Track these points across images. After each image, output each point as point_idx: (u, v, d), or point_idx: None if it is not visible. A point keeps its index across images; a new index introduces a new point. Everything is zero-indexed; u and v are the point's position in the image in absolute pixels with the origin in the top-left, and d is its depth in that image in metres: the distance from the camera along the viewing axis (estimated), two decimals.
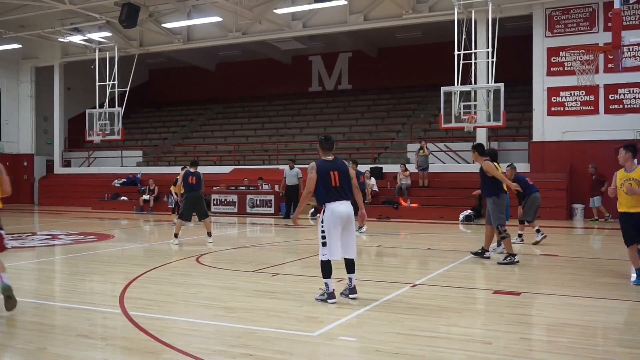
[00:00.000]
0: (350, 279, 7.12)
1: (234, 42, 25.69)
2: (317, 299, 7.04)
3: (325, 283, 6.95)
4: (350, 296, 7.06)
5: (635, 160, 8.19)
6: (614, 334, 5.76)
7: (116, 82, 24.40)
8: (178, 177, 17.03)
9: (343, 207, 6.92)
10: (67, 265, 10.44)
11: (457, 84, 18.21)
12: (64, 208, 26.17)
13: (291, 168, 20.53)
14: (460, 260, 10.39)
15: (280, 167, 24.09)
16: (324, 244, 6.90)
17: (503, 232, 9.97)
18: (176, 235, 12.83)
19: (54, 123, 30.03)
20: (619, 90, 18.84)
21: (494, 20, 18.16)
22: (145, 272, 9.07)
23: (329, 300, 6.87)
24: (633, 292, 8.00)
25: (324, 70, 32.38)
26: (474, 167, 21.20)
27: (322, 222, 6.92)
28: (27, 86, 30.44)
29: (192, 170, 13.19)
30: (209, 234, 13.01)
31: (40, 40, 26.93)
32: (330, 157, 7.14)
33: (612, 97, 18.95)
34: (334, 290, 6.95)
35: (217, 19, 23.59)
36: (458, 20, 18.44)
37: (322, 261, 6.96)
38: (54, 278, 9.40)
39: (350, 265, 7.12)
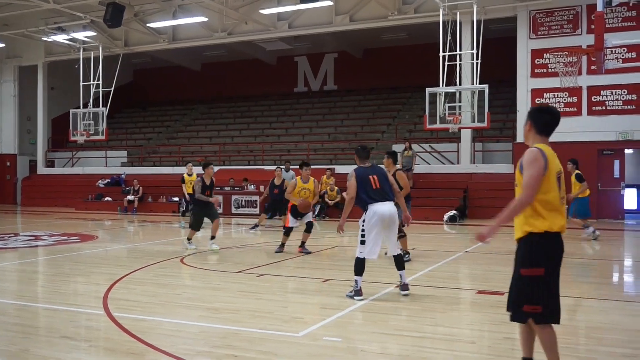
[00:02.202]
0: (400, 275, 7.35)
1: (219, 42, 25.63)
2: (347, 296, 7.17)
3: (355, 280, 7.11)
4: (402, 292, 7.25)
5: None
6: (596, 333, 5.82)
7: (100, 81, 24.26)
8: (184, 175, 16.92)
9: (385, 208, 7.17)
10: (51, 267, 10.35)
11: (442, 85, 18.31)
12: (47, 209, 25.95)
13: (287, 170, 19.60)
14: (444, 260, 10.45)
15: (266, 167, 24.08)
16: (362, 242, 7.14)
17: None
18: (213, 237, 11.89)
19: (38, 123, 29.78)
20: (602, 92, 19.05)
21: (478, 21, 18.30)
22: (129, 273, 9.02)
23: (355, 297, 7.02)
24: (614, 291, 8.11)
25: (309, 71, 32.39)
26: (459, 168, 21.44)
27: (364, 221, 7.16)
28: (10, 85, 30.13)
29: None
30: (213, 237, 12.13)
31: (24, 39, 26.70)
32: (368, 164, 7.52)
33: (594, 98, 19.15)
34: (361, 287, 7.09)
35: (202, 19, 23.53)
36: (443, 22, 18.55)
37: (357, 258, 7.16)
38: (37, 279, 9.31)
39: (398, 263, 7.37)
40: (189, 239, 11.91)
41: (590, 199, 14.39)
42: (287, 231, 11.36)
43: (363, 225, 7.15)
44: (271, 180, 15.73)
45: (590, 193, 14.43)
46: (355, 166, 7.56)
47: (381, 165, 7.95)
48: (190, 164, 17.55)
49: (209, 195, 11.62)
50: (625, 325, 6.13)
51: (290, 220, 11.34)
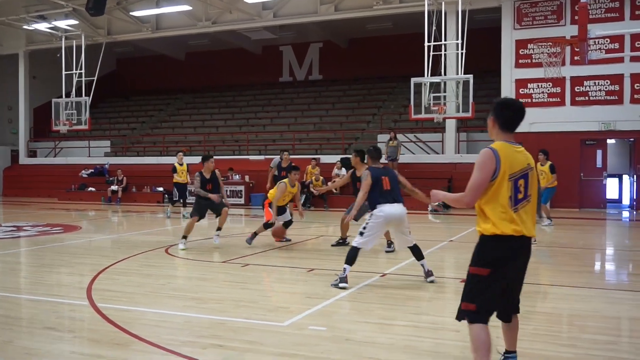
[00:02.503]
0: (422, 265, 7.56)
1: (203, 31, 25.43)
2: (332, 285, 7.20)
3: (344, 267, 7.19)
4: (428, 279, 7.46)
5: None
6: (578, 321, 5.89)
7: (83, 71, 23.99)
8: (175, 164, 16.72)
9: (394, 209, 7.42)
10: (33, 257, 10.27)
11: (427, 75, 18.33)
12: (29, 199, 25.70)
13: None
14: (429, 250, 10.50)
15: (251, 157, 24.02)
16: (361, 234, 7.30)
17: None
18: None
19: (19, 112, 29.44)
20: (585, 82, 19.19)
21: (463, 12, 18.33)
22: (113, 264, 8.97)
23: (340, 285, 7.06)
24: (595, 279, 8.21)
25: (294, 61, 32.27)
26: (444, 158, 21.53)
27: (371, 217, 7.41)
28: None
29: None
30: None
31: (5, 27, 26.31)
32: (380, 165, 7.90)
33: (578, 89, 19.29)
34: (347, 275, 7.16)
35: (186, 7, 23.31)
36: (428, 12, 18.54)
37: (352, 247, 7.30)
38: (20, 270, 9.23)
39: (417, 253, 7.58)
40: (184, 237, 10.80)
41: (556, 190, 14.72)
42: (267, 225, 10.86)
43: (369, 221, 7.38)
44: (278, 163, 15.70)
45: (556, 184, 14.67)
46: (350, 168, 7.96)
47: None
48: (180, 153, 17.34)
49: (210, 189, 10.97)
50: (606, 312, 6.21)
51: (272, 215, 10.77)
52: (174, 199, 16.58)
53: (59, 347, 5.02)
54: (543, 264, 9.15)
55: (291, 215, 11.57)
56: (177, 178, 16.75)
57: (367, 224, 7.38)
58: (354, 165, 9.93)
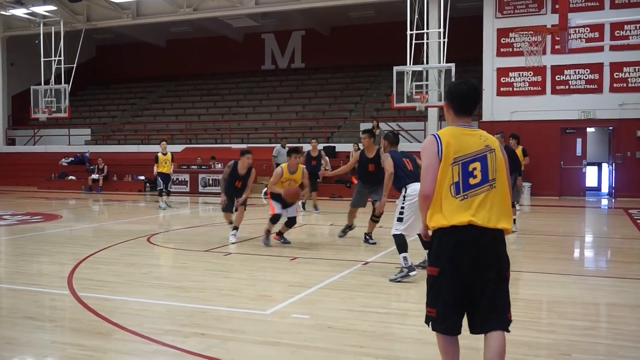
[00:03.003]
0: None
1: (184, 18, 25.20)
2: (396, 279, 6.92)
3: (403, 257, 7.01)
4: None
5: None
6: (557, 307, 5.97)
7: (62, 58, 23.68)
8: (158, 154, 16.38)
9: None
10: (13, 247, 10.16)
11: (410, 64, 18.35)
12: (8, 188, 25.37)
13: (284, 146, 17.62)
14: (411, 238, 10.55)
15: (233, 146, 23.91)
16: (400, 220, 7.17)
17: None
18: (236, 228, 10.28)
19: None
20: (565, 71, 19.34)
21: (445, 0, 18.32)
22: (94, 253, 8.91)
23: (410, 274, 6.91)
24: (574, 266, 8.32)
25: (277, 49, 32.10)
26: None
27: (404, 199, 7.25)
28: None
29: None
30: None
31: None
32: (398, 149, 8.01)
33: (558, 77, 19.44)
34: (412, 263, 7.01)
35: None
36: (411, 0, 18.52)
37: (395, 235, 7.16)
38: None
39: (424, 243, 7.14)
40: (235, 227, 10.12)
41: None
42: (274, 219, 9.68)
43: (403, 203, 7.24)
44: (307, 152, 15.59)
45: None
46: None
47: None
48: (164, 142, 17.04)
49: (239, 186, 10.04)
50: (584, 298, 6.31)
51: (275, 207, 9.63)
52: (159, 189, 16.33)
53: (40, 337, 4.98)
54: (523, 251, 9.26)
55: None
56: (159, 168, 16.34)
57: (402, 208, 7.19)
58: (366, 147, 9.73)
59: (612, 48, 18.68)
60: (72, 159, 26.30)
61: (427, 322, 3.54)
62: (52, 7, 24.34)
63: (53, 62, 23.81)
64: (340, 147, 22.50)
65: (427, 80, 18.22)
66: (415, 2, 18.51)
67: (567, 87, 19.39)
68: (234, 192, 10.18)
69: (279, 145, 18.33)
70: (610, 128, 19.65)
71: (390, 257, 8.53)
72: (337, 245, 9.92)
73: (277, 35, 31.70)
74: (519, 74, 19.85)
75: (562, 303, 6.14)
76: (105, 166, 23.82)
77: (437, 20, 18.97)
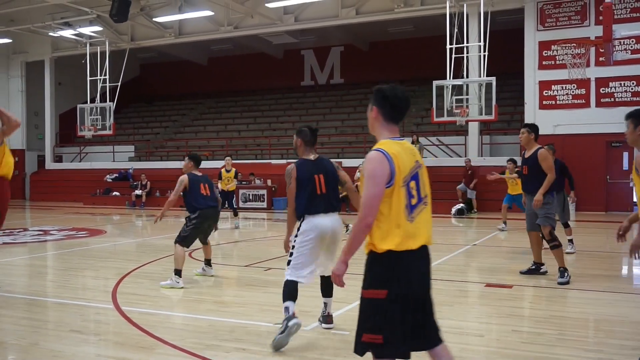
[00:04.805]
0: (325, 304, 5.70)
1: (225, 36, 25.61)
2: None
3: (285, 307, 5.23)
4: (324, 326, 5.64)
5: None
6: (605, 326, 5.80)
7: (107, 76, 24.30)
8: (222, 171, 15.54)
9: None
10: (59, 261, 10.41)
11: (449, 78, 18.23)
12: (55, 203, 26.07)
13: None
14: (452, 253, 10.43)
15: (273, 161, 24.07)
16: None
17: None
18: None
19: (45, 118, 29.88)
20: (610, 83, 18.91)
21: (485, 13, 18.19)
22: (137, 267, 9.06)
23: (289, 323, 5.05)
24: (623, 284, 8.08)
25: (316, 65, 32.32)
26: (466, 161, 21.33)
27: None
28: (17, 81, 30.21)
29: None
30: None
31: (31, 34, 26.75)
32: (313, 152, 6.59)
33: (603, 90, 19.02)
34: (294, 313, 5.18)
35: (208, 13, 23.51)
36: (450, 14, 18.46)
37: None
38: (46, 274, 9.36)
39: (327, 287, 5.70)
40: None
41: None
42: None
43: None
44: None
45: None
46: None
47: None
48: (228, 158, 16.11)
49: None
50: (634, 317, 6.10)
51: None
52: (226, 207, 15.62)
53: (85, 350, 5.07)
54: (570, 267, 9.04)
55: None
56: (222, 185, 15.27)
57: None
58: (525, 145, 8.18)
59: None
60: (116, 175, 26.89)
61: (362, 350, 3.23)
62: (98, 28, 25.06)
63: (99, 81, 24.46)
64: None
65: (467, 94, 18.06)
66: (455, 16, 18.42)
67: (612, 99, 18.95)
68: None
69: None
70: None
71: (433, 273, 8.41)
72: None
73: (316, 52, 31.94)
74: (562, 87, 19.50)
75: (610, 322, 5.96)
76: (148, 182, 24.26)
77: (477, 34, 18.82)
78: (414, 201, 3.24)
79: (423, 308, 3.31)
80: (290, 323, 5.04)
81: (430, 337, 3.36)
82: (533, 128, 8.05)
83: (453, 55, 18.42)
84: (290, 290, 5.28)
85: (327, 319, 5.66)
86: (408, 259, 3.21)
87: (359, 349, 3.23)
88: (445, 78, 18.29)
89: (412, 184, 3.25)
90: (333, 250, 5.47)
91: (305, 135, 5.58)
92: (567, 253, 9.76)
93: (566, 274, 7.65)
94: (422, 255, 3.30)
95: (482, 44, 18.20)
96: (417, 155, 3.36)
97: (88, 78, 24.87)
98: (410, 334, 3.21)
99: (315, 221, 5.30)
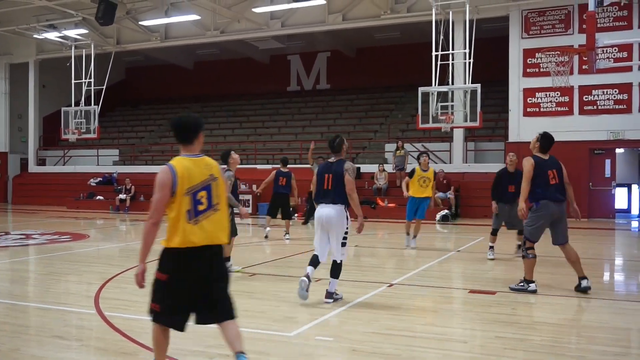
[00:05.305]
0: (329, 283, 7.06)
1: (212, 40, 25.58)
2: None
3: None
4: (324, 300, 6.94)
5: None
6: (587, 332, 5.85)
7: (92, 79, 24.13)
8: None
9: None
10: (42, 266, 10.30)
11: (435, 85, 18.32)
12: (38, 207, 25.81)
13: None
14: (437, 260, 10.47)
15: (259, 166, 24.04)
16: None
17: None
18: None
19: (29, 121, 29.62)
20: (593, 91, 19.13)
21: (471, 21, 18.33)
22: (121, 272, 8.99)
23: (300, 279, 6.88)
24: (604, 290, 8.15)
25: (302, 70, 32.36)
26: (451, 168, 21.46)
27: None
28: (1, 83, 29.91)
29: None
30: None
31: (15, 36, 26.55)
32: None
33: (586, 98, 19.24)
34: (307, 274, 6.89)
35: (195, 17, 23.45)
36: (436, 21, 18.56)
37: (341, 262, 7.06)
38: (28, 278, 9.27)
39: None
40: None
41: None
42: None
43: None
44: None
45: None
46: None
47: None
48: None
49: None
50: (615, 323, 6.17)
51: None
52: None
53: (67, 356, 5.03)
54: (552, 274, 9.10)
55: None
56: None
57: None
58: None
59: None
60: (101, 179, 26.70)
61: (150, 315, 4.15)
62: (83, 31, 24.91)
63: (83, 84, 24.29)
64: (365, 168, 22.50)
65: (452, 101, 18.16)
66: (441, 23, 18.54)
67: (595, 107, 19.16)
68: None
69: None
70: None
71: (416, 280, 8.45)
72: (362, 267, 9.88)
73: (302, 57, 31.97)
74: (546, 95, 19.70)
75: (591, 328, 6.01)
76: (133, 186, 24.11)
77: (462, 41, 18.95)
78: (201, 207, 4.03)
79: (204, 291, 4.07)
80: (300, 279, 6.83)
81: (215, 313, 4.14)
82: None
83: (439, 62, 18.52)
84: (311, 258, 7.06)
85: (326, 293, 6.98)
86: (190, 254, 4.00)
87: (150, 314, 4.14)
88: (431, 85, 18.38)
89: (202, 193, 4.03)
90: (333, 235, 6.84)
91: (328, 143, 7.40)
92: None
93: (529, 285, 7.58)
94: (204, 253, 4.04)
95: (467, 51, 18.33)
96: (214, 169, 4.13)
97: (73, 81, 24.67)
98: (185, 310, 4.08)
99: (319, 210, 6.95)
